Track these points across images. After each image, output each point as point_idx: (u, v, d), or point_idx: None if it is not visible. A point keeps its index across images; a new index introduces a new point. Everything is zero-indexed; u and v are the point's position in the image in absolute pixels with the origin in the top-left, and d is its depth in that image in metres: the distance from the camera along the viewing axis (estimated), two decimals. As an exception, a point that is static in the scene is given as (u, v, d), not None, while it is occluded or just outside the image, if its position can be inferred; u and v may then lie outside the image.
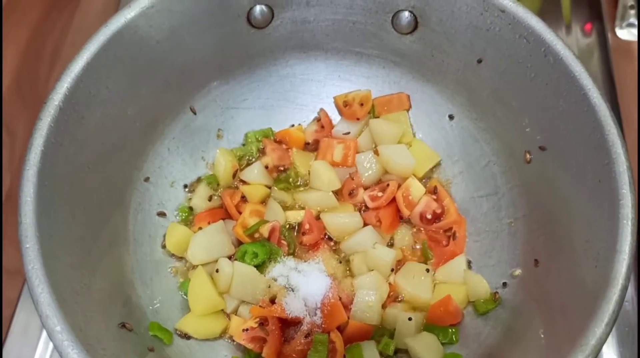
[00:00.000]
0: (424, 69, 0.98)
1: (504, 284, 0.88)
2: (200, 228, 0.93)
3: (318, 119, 1.05)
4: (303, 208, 0.97)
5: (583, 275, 0.73)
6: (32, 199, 0.69)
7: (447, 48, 0.92)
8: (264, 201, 0.98)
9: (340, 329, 0.87)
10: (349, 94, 1.03)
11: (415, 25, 0.92)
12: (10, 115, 1.16)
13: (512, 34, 0.83)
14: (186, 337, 0.86)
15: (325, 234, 0.95)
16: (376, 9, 0.93)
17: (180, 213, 0.96)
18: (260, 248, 0.90)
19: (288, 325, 0.88)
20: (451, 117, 0.99)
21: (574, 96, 0.77)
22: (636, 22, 1.21)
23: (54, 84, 0.76)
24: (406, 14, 0.92)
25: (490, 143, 0.95)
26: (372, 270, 0.91)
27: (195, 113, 0.99)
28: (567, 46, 0.79)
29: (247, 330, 0.85)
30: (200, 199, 0.96)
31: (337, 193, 0.98)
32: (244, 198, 0.97)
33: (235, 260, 0.90)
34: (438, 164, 1.01)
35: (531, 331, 0.79)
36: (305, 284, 0.89)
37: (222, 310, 0.89)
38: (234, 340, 0.87)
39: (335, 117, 1.06)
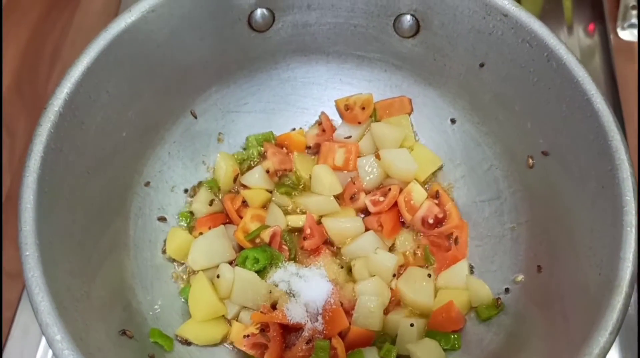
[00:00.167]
0: (425, 72, 0.98)
1: (507, 290, 0.88)
2: (201, 233, 0.93)
3: (319, 123, 1.05)
4: (304, 213, 0.96)
5: (586, 282, 0.72)
6: (32, 206, 0.69)
7: (449, 52, 0.92)
8: (265, 206, 0.98)
9: (342, 335, 0.86)
10: (351, 97, 1.03)
11: (417, 28, 0.92)
12: (10, 115, 1.16)
13: (514, 38, 0.82)
14: (187, 343, 0.86)
15: (327, 239, 0.95)
16: (378, 13, 0.92)
17: (181, 218, 0.95)
18: (262, 253, 0.89)
19: (289, 331, 0.88)
20: (453, 121, 0.99)
21: (577, 101, 0.77)
22: (638, 23, 1.20)
23: (54, 85, 0.76)
24: (408, 17, 0.91)
25: (493, 147, 0.95)
26: (374, 276, 0.90)
27: (195, 117, 0.98)
28: (570, 51, 0.78)
29: (248, 336, 0.85)
30: (201, 204, 0.96)
31: (339, 198, 0.98)
32: (244, 203, 0.96)
33: (236, 265, 0.90)
34: (440, 169, 1.00)
35: (534, 338, 0.78)
36: (307, 289, 0.88)
37: (223, 315, 0.89)
38: (234, 346, 0.87)
39: (336, 121, 1.05)
